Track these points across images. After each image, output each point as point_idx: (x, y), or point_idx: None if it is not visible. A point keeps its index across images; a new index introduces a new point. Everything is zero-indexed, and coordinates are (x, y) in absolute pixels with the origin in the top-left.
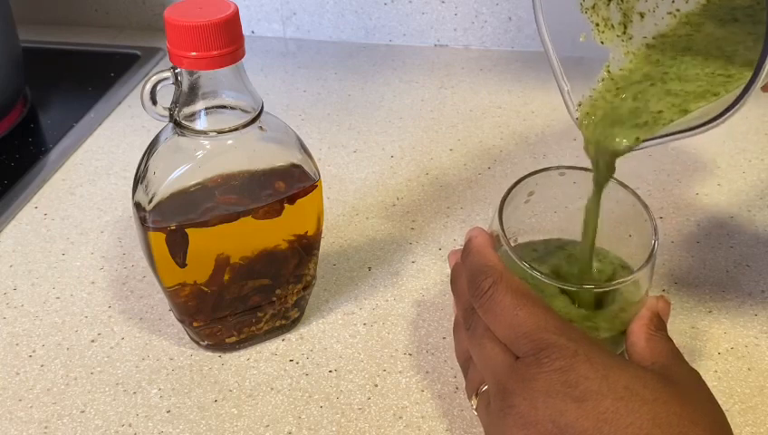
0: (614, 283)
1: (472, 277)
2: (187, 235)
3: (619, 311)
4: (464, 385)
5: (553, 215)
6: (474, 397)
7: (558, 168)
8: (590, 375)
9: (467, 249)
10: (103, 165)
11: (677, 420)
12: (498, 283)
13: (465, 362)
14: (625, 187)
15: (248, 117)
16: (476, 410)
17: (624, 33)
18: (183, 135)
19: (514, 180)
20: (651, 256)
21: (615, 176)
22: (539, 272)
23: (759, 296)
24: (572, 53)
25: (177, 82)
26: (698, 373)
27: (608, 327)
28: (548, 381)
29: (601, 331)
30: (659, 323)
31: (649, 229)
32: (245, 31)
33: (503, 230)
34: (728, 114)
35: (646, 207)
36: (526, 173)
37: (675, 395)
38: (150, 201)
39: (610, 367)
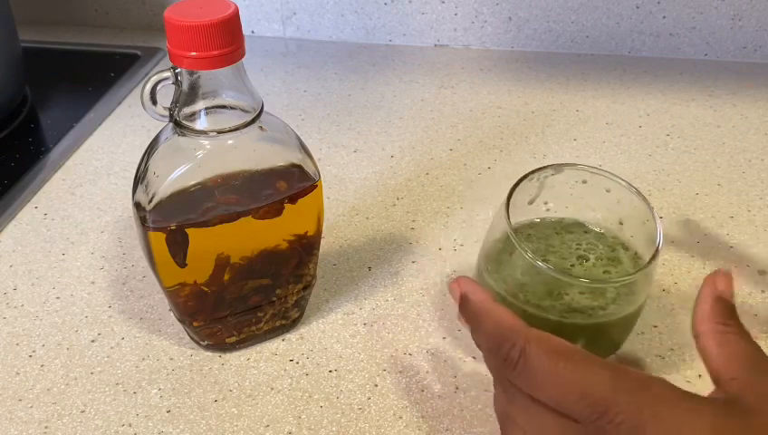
0: (623, 278)
1: (496, 349)
2: (187, 235)
3: (616, 297)
4: (464, 385)
5: (555, 213)
6: None
7: (559, 165)
8: None
9: (473, 312)
10: (103, 165)
11: None
12: (527, 347)
13: (504, 420)
14: (630, 186)
15: (248, 117)
16: None
17: None
18: (183, 135)
19: (515, 180)
20: (657, 251)
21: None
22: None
23: (759, 296)
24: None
25: (177, 82)
26: None
27: (602, 304)
28: None
29: (597, 309)
30: (725, 310)
31: (653, 228)
32: (245, 31)
33: (512, 231)
34: None
35: (649, 205)
36: (526, 172)
37: None
38: (150, 201)
39: (682, 424)
